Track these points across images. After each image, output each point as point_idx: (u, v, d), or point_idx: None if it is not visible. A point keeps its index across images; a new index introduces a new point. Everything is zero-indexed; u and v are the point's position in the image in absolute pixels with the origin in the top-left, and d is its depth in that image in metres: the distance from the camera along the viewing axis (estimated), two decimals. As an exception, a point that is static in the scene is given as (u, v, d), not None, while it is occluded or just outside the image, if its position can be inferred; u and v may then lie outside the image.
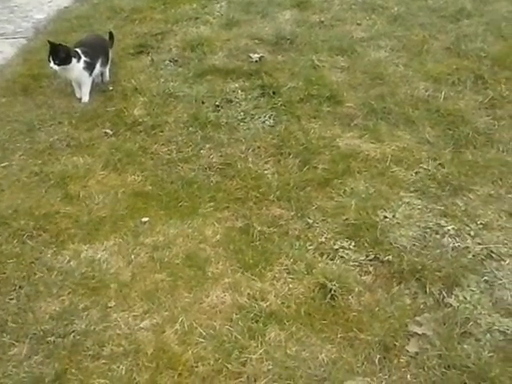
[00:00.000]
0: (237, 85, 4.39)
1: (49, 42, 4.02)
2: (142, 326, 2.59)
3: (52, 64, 3.99)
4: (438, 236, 3.02)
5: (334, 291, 2.69)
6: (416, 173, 3.45)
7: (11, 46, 5.20)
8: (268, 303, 2.67)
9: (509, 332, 2.53)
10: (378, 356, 2.44)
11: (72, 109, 4.18)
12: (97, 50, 4.30)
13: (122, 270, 2.87)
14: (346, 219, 3.13)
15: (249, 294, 2.72)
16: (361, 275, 2.82)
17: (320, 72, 4.50)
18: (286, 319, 2.60)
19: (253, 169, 3.52)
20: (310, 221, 3.14)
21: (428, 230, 3.05)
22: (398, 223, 3.09)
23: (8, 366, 2.43)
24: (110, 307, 2.68)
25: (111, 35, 4.63)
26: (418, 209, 3.19)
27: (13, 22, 5.74)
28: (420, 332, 2.53)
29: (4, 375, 2.39)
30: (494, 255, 2.90)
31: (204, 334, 2.54)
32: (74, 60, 4.04)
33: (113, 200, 3.32)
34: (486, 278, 2.79)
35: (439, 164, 3.50)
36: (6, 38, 5.39)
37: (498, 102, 4.06)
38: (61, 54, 3.97)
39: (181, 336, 2.54)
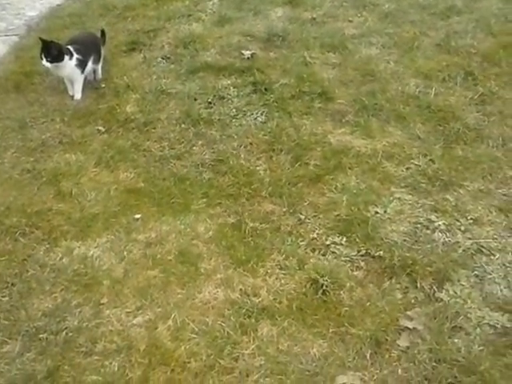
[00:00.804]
0: (229, 81, 4.40)
1: (40, 39, 4.01)
2: (134, 322, 2.60)
3: (44, 61, 3.99)
4: (428, 231, 3.04)
5: (326, 286, 2.71)
6: (407, 168, 3.47)
7: (3, 44, 5.19)
8: (260, 299, 2.69)
9: (499, 326, 2.55)
10: (370, 350, 2.46)
11: (64, 106, 4.18)
12: (89, 48, 4.29)
13: (115, 266, 2.88)
14: (338, 215, 3.14)
15: (241, 289, 2.74)
16: (352, 270, 2.84)
17: (311, 69, 4.52)
18: (278, 314, 2.61)
19: (245, 165, 3.53)
20: (302, 217, 3.15)
21: (419, 226, 3.07)
22: (389, 218, 3.11)
23: (0, 364, 2.44)
24: (103, 304, 2.69)
25: (103, 33, 4.63)
26: (409, 204, 3.21)
27: (5, 20, 5.73)
28: (411, 326, 2.55)
29: (-4, 372, 2.41)
30: (484, 250, 2.92)
31: (196, 329, 2.55)
32: (67, 57, 4.04)
33: (105, 197, 3.33)
34: (476, 272, 2.81)
35: (430, 160, 3.52)
36: (-2, 36, 5.39)
37: (487, 98, 4.07)
38: (53, 52, 3.97)
39: (173, 332, 2.55)
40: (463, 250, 2.92)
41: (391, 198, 3.25)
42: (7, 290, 2.76)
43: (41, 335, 2.54)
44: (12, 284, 2.79)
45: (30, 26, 5.58)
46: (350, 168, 3.48)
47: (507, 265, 2.85)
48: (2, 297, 2.73)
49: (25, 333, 2.55)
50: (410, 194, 3.29)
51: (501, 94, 4.12)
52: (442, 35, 4.92)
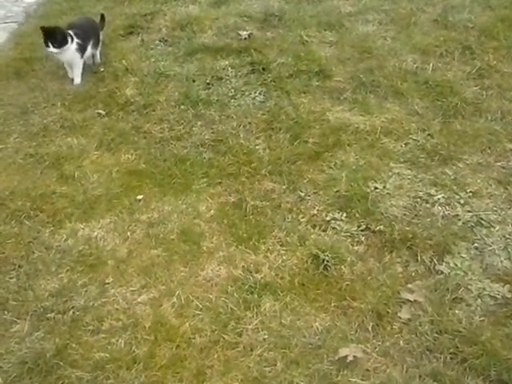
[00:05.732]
0: (227, 62, 4.40)
1: (43, 28, 4.01)
2: (139, 300, 2.64)
3: (51, 48, 3.99)
4: (428, 205, 3.07)
5: (327, 261, 2.74)
6: (405, 144, 3.49)
7: (3, 31, 5.20)
8: (262, 275, 2.72)
9: (499, 297, 2.58)
10: (371, 323, 2.50)
11: (64, 91, 4.19)
12: (88, 32, 4.30)
13: (119, 246, 2.92)
14: (338, 191, 3.17)
15: (243, 266, 2.77)
16: (353, 245, 2.87)
17: (309, 47, 4.52)
18: (280, 290, 2.65)
19: (244, 144, 3.55)
20: (302, 194, 3.18)
21: (418, 200, 3.10)
22: (389, 193, 3.14)
23: (10, 343, 2.48)
24: (108, 283, 2.73)
25: (102, 17, 4.63)
26: (408, 179, 3.23)
27: (3, 7, 5.74)
28: (412, 299, 2.58)
29: (7, 351, 2.45)
30: (483, 222, 2.95)
31: (200, 306, 2.59)
32: (69, 41, 4.05)
33: (107, 179, 3.36)
34: (476, 244, 2.84)
35: (428, 134, 3.54)
36: (-3, 23, 5.40)
37: (485, 71, 4.08)
38: (59, 37, 3.98)
39: (178, 309, 2.59)
40: (463, 223, 2.95)
41: (390, 174, 3.27)
42: (14, 272, 2.80)
43: (48, 315, 2.58)
44: (19, 266, 2.83)
45: (29, 13, 5.58)
46: (348, 145, 3.50)
47: (507, 236, 2.88)
48: (10, 278, 2.77)
49: (33, 313, 2.60)
50: (409, 168, 3.31)
51: (499, 67, 4.12)
52: (438, 10, 4.91)
